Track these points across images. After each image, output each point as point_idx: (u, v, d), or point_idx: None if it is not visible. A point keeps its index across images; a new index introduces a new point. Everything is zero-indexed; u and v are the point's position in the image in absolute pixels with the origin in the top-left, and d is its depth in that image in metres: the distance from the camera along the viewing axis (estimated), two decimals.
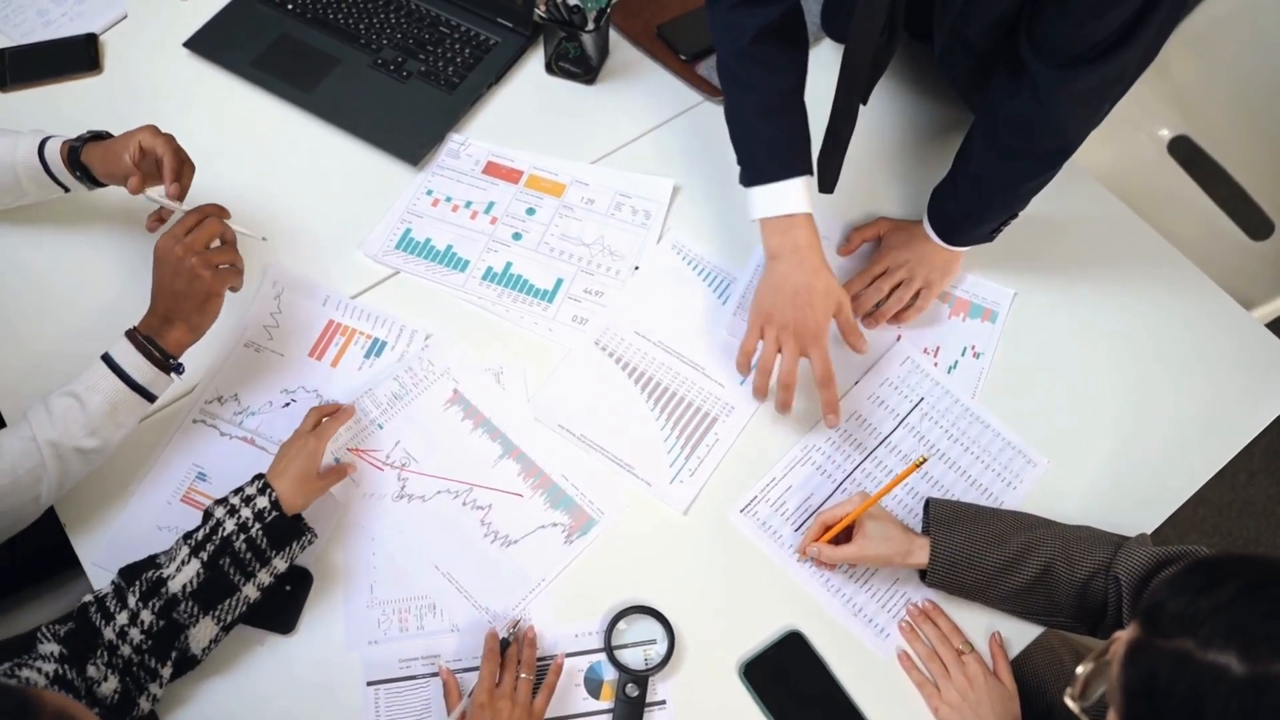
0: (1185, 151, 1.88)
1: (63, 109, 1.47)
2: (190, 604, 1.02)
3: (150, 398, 1.14)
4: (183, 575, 1.02)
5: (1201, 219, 1.85)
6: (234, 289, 1.18)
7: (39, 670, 0.94)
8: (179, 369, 1.16)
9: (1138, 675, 0.69)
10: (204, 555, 1.03)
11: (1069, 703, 0.77)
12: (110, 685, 0.97)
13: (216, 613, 1.04)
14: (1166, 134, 1.89)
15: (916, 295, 1.35)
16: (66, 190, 1.29)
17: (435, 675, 1.12)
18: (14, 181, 1.28)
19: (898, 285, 1.35)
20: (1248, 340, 1.38)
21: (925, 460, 1.11)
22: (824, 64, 1.32)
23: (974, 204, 1.30)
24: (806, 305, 1.21)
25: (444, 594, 1.17)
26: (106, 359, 1.12)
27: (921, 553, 1.13)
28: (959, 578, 1.13)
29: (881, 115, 1.51)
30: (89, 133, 1.28)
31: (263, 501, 1.07)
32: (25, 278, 1.35)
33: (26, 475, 1.08)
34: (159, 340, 1.13)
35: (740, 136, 1.29)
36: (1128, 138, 1.88)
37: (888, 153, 1.48)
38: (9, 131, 1.29)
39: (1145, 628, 0.70)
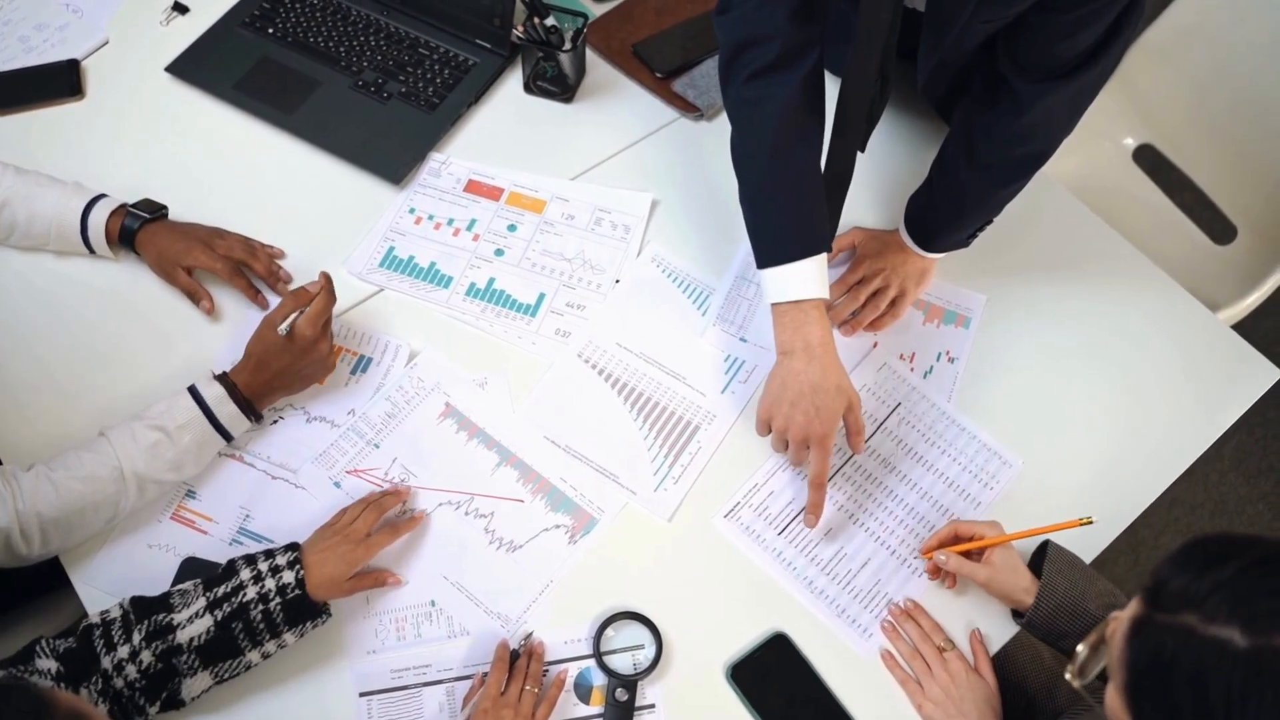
0: (1150, 159, 1.92)
1: (45, 135, 1.48)
2: (193, 656, 1.01)
3: (229, 438, 1.18)
4: (193, 628, 1.01)
5: (1167, 225, 1.89)
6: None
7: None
8: (259, 418, 1.21)
9: (1142, 650, 0.70)
10: (219, 615, 1.02)
11: (1069, 678, 0.79)
12: (100, 712, 0.97)
13: (216, 669, 1.03)
14: (1131, 143, 1.93)
15: (893, 303, 1.37)
16: (92, 252, 1.33)
17: (427, 686, 1.12)
18: (44, 233, 1.31)
19: (874, 293, 1.37)
20: (1214, 342, 1.42)
21: (1091, 521, 1.10)
22: None
23: (952, 211, 1.32)
24: (813, 409, 1.19)
25: (454, 603, 1.18)
26: (195, 394, 1.15)
27: (1030, 594, 1.12)
28: (1058, 624, 1.11)
29: None
30: (145, 207, 1.32)
31: (289, 576, 1.06)
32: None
33: (106, 502, 1.11)
34: (250, 397, 1.18)
35: (751, 218, 1.26)
36: (1094, 147, 1.91)
37: (861, 163, 1.50)
38: (56, 182, 1.32)
39: (1149, 604, 0.71)
